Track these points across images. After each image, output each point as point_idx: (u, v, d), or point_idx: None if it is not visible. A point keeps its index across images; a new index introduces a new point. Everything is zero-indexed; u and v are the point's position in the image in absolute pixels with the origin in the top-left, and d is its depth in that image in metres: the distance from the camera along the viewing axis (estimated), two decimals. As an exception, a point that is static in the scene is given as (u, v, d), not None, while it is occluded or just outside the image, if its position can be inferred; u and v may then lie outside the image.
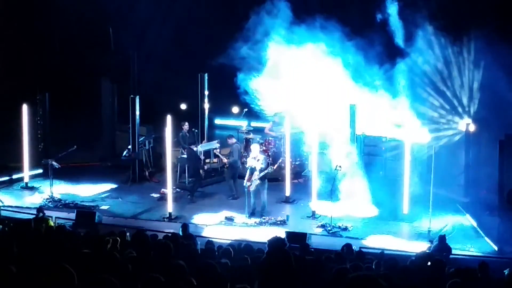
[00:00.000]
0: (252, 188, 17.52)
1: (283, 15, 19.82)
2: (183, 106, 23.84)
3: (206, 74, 21.74)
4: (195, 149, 20.29)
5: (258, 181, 17.48)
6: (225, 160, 20.19)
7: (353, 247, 12.60)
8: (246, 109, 22.20)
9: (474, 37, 19.33)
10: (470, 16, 19.12)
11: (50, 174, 19.18)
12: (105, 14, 23.45)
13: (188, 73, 22.55)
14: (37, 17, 24.36)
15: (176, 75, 23.35)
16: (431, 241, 14.95)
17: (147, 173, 21.12)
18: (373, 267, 10.22)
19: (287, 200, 18.89)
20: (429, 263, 10.10)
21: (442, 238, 13.77)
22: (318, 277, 8.41)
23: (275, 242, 8.19)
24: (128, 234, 12.32)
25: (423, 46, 19.67)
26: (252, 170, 17.58)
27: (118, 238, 10.42)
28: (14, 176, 20.58)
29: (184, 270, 7.22)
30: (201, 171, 19.48)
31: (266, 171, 17.55)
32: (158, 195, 19.38)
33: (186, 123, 21.26)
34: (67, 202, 18.74)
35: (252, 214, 17.62)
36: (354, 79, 19.18)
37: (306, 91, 19.36)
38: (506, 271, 9.90)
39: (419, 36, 19.49)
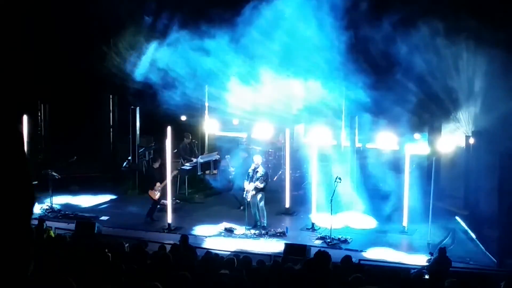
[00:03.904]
0: (248, 199, 17.51)
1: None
2: (184, 118, 23.86)
3: (207, 86, 21.78)
4: (194, 160, 20.28)
5: (253, 192, 17.47)
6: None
7: (352, 259, 12.59)
8: (246, 121, 22.22)
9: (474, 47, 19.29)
10: (470, 27, 19.03)
11: (50, 184, 19.21)
12: (106, 25, 23.47)
13: (189, 84, 22.56)
14: (37, 28, 24.37)
15: (177, 86, 23.35)
16: (431, 254, 14.94)
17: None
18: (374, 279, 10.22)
19: (287, 212, 18.88)
20: (427, 276, 10.12)
21: (442, 251, 13.76)
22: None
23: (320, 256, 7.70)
24: (126, 245, 12.31)
25: (422, 54, 19.62)
26: (249, 180, 17.55)
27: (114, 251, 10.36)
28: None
29: (185, 281, 7.25)
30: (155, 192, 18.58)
31: (262, 185, 17.40)
32: (158, 206, 19.39)
33: (189, 135, 21.27)
34: (66, 212, 18.77)
35: (254, 226, 17.53)
36: (351, 89, 19.21)
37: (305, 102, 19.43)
38: (502, 284, 9.92)
39: (416, 44, 19.47)
